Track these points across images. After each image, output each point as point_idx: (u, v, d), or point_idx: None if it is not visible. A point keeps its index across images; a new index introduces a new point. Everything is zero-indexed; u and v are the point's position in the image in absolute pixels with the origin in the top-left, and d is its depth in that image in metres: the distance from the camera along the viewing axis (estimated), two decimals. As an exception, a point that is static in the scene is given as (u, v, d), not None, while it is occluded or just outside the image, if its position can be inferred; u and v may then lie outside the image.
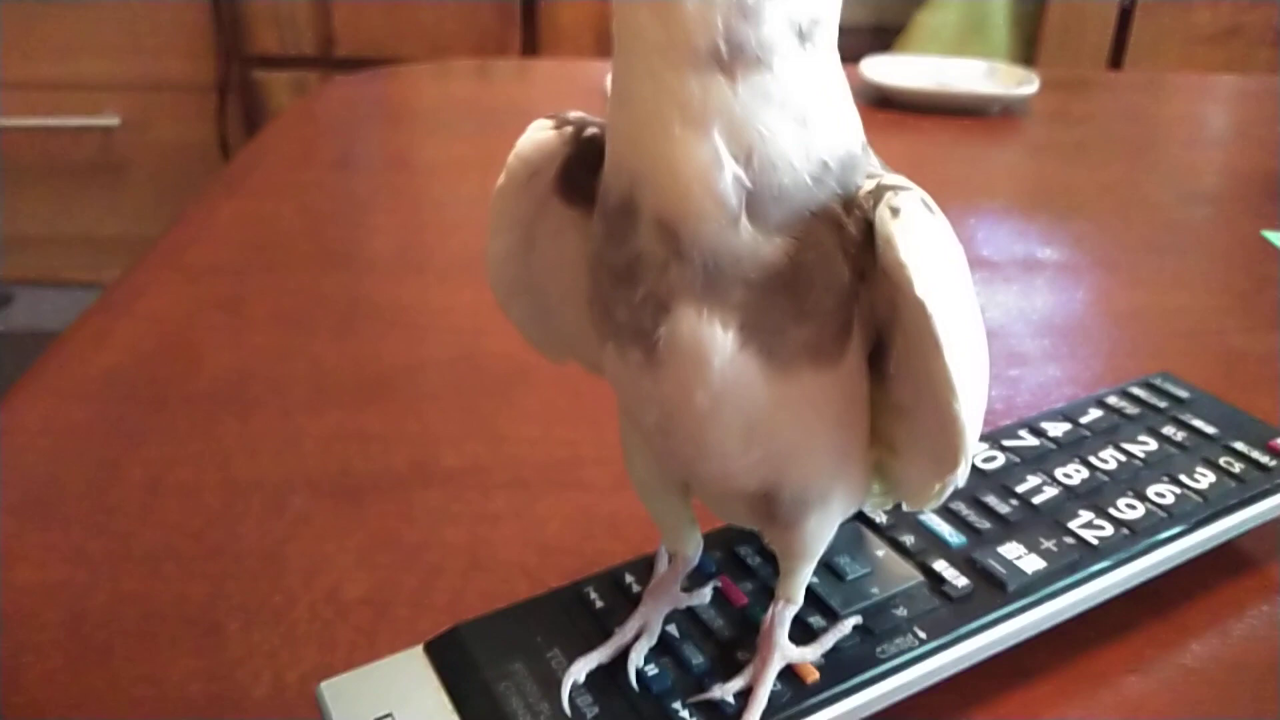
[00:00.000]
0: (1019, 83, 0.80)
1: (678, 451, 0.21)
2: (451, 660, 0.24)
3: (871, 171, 0.19)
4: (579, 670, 0.23)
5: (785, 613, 0.24)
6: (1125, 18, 1.44)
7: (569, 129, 0.21)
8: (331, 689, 0.23)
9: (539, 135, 0.22)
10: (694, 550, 0.25)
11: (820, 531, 0.23)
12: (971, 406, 0.19)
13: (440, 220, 0.56)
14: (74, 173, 1.49)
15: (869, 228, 0.19)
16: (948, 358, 0.18)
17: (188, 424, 0.37)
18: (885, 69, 0.82)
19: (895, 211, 0.18)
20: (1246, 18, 1.44)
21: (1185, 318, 0.48)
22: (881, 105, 0.79)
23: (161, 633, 0.28)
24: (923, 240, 0.18)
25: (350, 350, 0.42)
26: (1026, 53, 1.48)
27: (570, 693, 0.22)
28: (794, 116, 0.18)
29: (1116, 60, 1.46)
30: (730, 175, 0.18)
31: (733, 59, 0.17)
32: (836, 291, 0.19)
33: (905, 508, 0.25)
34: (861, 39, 1.58)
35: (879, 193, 0.19)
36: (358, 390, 0.39)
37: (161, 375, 0.40)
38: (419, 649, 0.24)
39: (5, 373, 1.31)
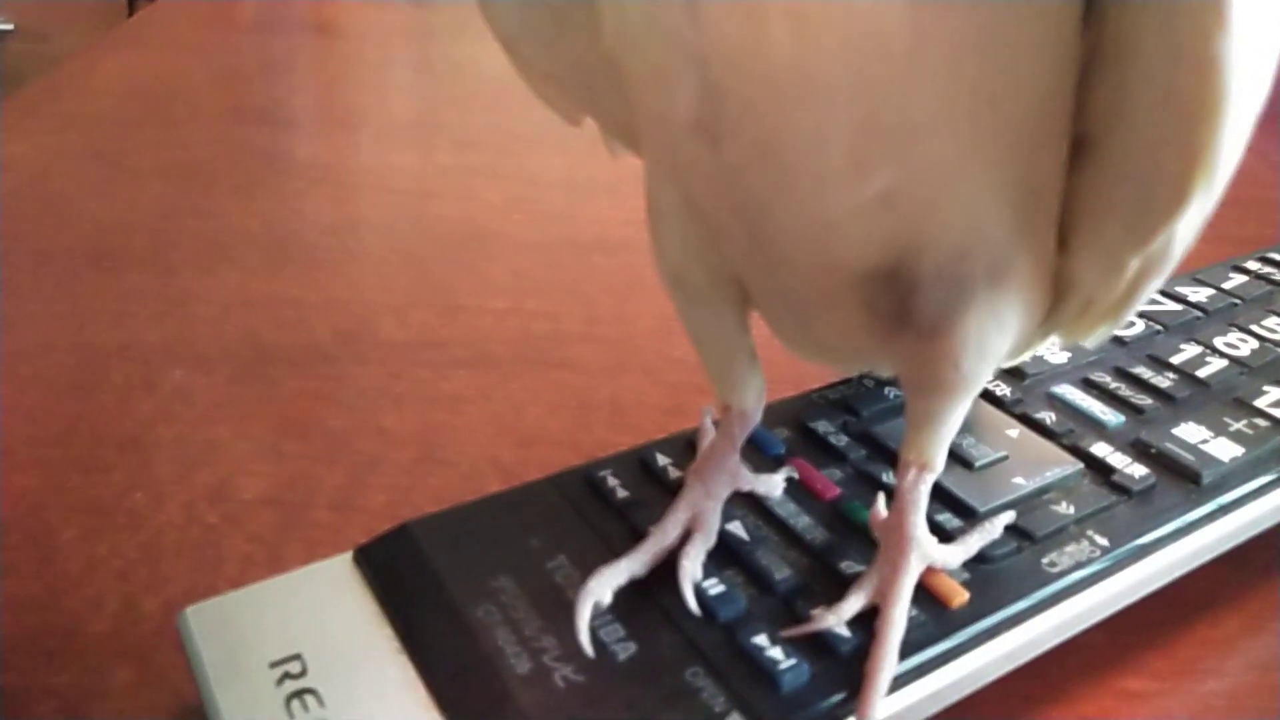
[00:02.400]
0: None
1: (741, 185, 0.13)
2: (396, 574, 0.15)
3: None
4: (601, 587, 0.14)
5: (922, 486, 0.15)
6: None
7: None
8: (200, 617, 0.14)
9: None
10: (756, 400, 0.17)
11: (987, 339, 0.14)
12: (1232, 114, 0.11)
13: (375, 84, 0.47)
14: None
15: None
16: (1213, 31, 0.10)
17: (38, 281, 0.28)
18: None
19: None
20: None
21: None
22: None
23: (-34, 542, 0.19)
24: None
25: (259, 209, 0.33)
26: None
27: (591, 621, 0.14)
28: None
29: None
30: None
31: None
32: None
33: (1059, 341, 0.17)
34: None
35: None
36: (268, 251, 0.30)
37: (11, 228, 0.30)
38: (345, 557, 0.16)
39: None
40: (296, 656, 0.14)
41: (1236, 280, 0.25)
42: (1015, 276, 0.13)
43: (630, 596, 0.15)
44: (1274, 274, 0.26)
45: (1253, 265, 0.26)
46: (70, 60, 0.45)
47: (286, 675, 0.13)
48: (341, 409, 0.23)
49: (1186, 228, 0.12)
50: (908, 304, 0.13)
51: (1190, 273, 0.26)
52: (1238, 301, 0.24)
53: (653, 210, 0.15)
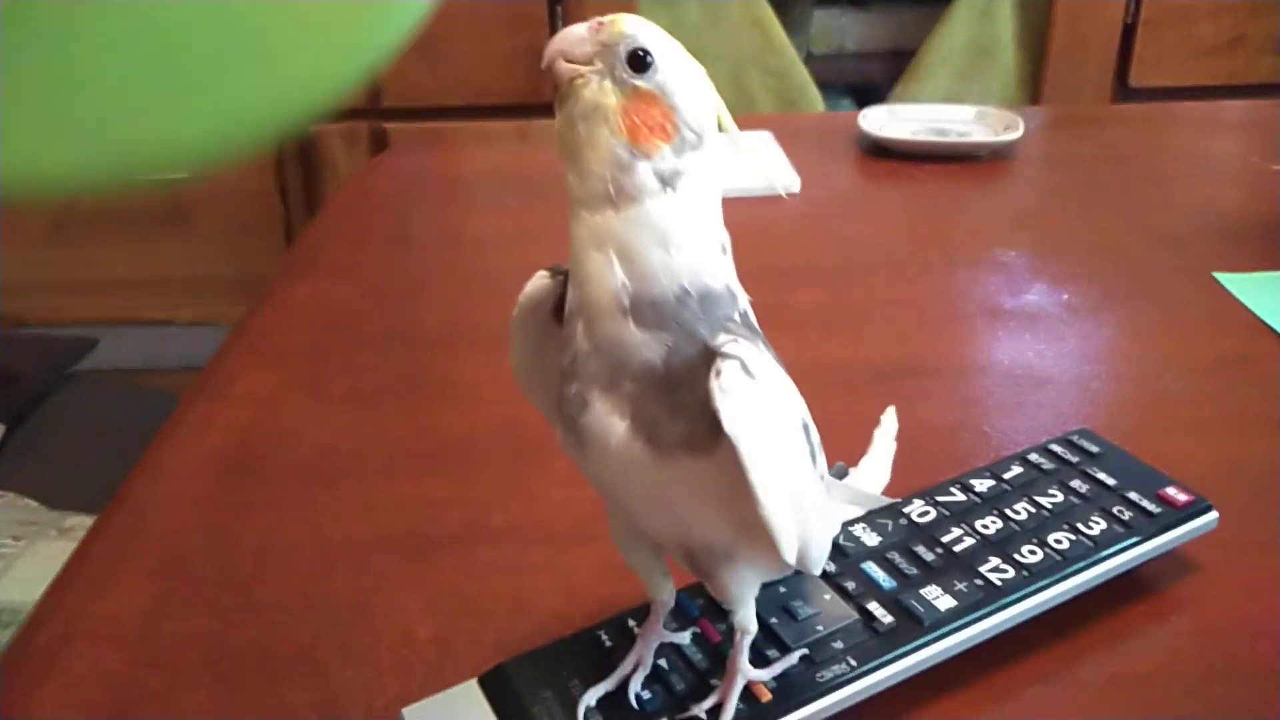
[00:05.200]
0: (1006, 127, 0.87)
1: (617, 510, 0.30)
2: (499, 690, 0.32)
3: (730, 324, 0.28)
4: (591, 696, 0.31)
5: (743, 641, 0.31)
6: (1128, 34, 1.50)
7: (560, 276, 0.30)
8: (412, 713, 0.31)
9: (538, 282, 0.31)
10: (668, 596, 0.33)
11: (736, 581, 0.30)
12: (782, 521, 0.27)
13: (485, 293, 0.64)
14: (147, 221, 1.60)
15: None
16: (755, 482, 0.27)
17: (284, 495, 0.45)
18: (880, 121, 0.90)
19: (719, 373, 0.26)
20: (1249, 28, 1.49)
21: (1132, 364, 0.55)
22: (879, 155, 0.87)
23: (279, 670, 0.36)
24: (735, 396, 0.26)
25: (413, 424, 0.50)
26: (1034, 71, 1.54)
27: (584, 714, 0.30)
28: (658, 241, 0.27)
29: (1123, 77, 1.51)
30: (619, 279, 0.27)
31: (618, 198, 0.27)
32: (701, 398, 0.27)
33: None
34: (879, 63, 1.65)
35: (715, 357, 0.27)
36: (421, 460, 0.48)
37: (259, 454, 0.48)
38: (474, 681, 0.32)
39: (102, 407, 1.42)
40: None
41: (1015, 471, 0.40)
42: (742, 556, 0.30)
43: (607, 700, 0.31)
44: (1044, 464, 0.41)
45: (1033, 456, 0.41)
46: (267, 294, 0.64)
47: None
48: (470, 578, 0.40)
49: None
50: (694, 562, 0.30)
51: (990, 464, 0.41)
52: (1007, 489, 0.39)
53: (606, 507, 0.32)
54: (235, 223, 1.59)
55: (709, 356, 0.27)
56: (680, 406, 0.27)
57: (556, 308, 0.30)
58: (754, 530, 0.28)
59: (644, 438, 0.27)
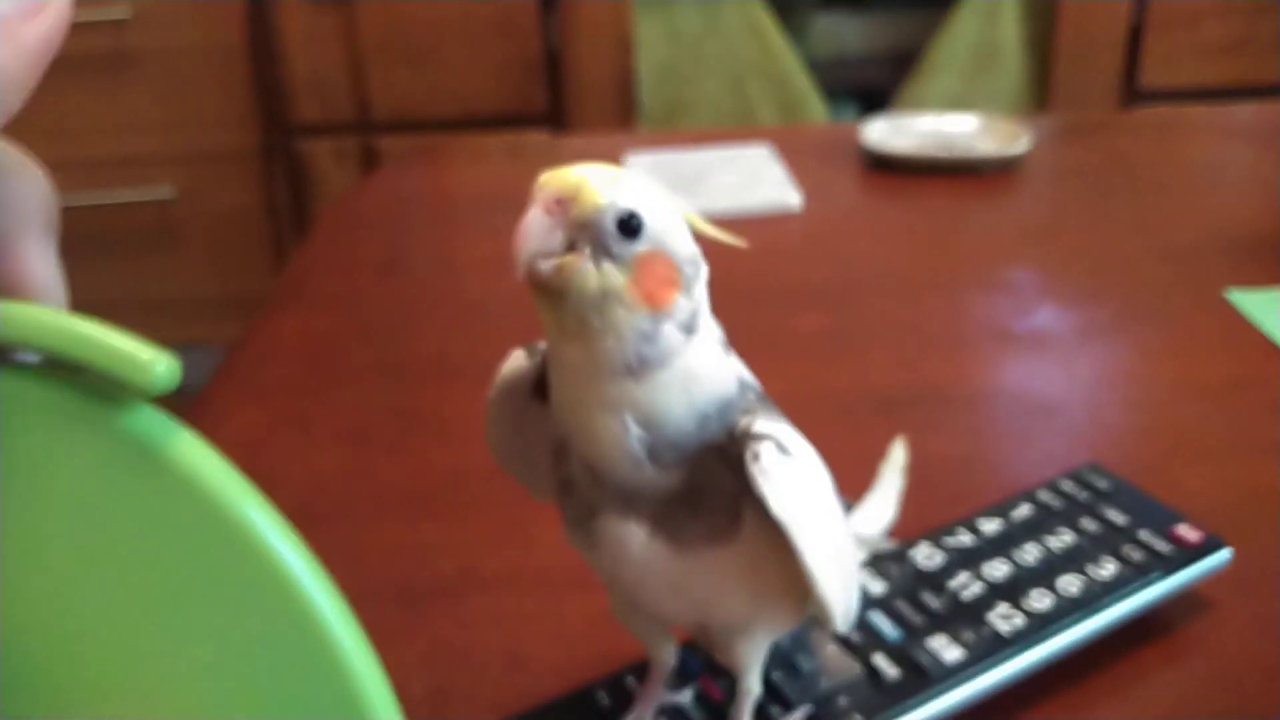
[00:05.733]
0: (1010, 139, 0.86)
1: (630, 599, 0.29)
2: (492, 755, 0.31)
3: (748, 408, 0.26)
4: (590, 759, 0.30)
5: (746, 702, 0.30)
6: (1136, 36, 1.48)
7: (537, 356, 0.29)
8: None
9: (516, 364, 0.29)
10: (670, 656, 0.32)
11: (750, 651, 0.29)
12: (834, 590, 0.26)
13: (477, 323, 0.63)
14: (135, 241, 1.59)
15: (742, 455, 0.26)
16: (808, 560, 0.26)
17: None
18: (883, 133, 0.88)
19: (756, 456, 0.25)
20: (1256, 28, 1.47)
21: (1143, 389, 0.54)
22: (881, 168, 0.86)
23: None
24: (777, 477, 0.25)
25: (403, 464, 0.49)
26: (1040, 74, 1.53)
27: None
28: (683, 391, 0.25)
29: (1130, 79, 1.50)
30: (635, 439, 0.25)
31: (641, 368, 0.25)
32: (724, 496, 0.26)
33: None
34: (882, 67, 1.64)
35: (744, 440, 0.26)
36: (411, 502, 0.46)
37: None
38: (467, 745, 0.31)
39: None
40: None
41: (1023, 510, 0.39)
42: (759, 629, 0.29)
43: (604, 765, 0.30)
44: (1052, 503, 0.40)
45: (1042, 496, 0.40)
46: (256, 326, 0.63)
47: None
48: (463, 630, 0.39)
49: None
50: (709, 638, 0.29)
51: (998, 504, 0.40)
52: (1015, 532, 0.38)
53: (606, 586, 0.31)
54: (224, 242, 1.58)
55: (733, 442, 0.26)
56: (702, 506, 0.26)
57: (534, 386, 0.29)
58: (774, 600, 0.28)
59: (665, 537, 0.26)
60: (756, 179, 0.82)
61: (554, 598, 0.40)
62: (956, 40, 1.53)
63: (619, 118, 1.48)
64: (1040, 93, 1.54)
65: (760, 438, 0.26)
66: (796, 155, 0.87)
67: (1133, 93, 1.51)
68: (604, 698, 0.32)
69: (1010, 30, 1.53)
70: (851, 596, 0.28)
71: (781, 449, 0.26)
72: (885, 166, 0.85)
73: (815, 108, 1.55)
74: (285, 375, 0.58)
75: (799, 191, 0.79)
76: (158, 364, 0.17)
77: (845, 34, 1.66)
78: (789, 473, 0.26)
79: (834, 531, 0.27)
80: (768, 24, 1.51)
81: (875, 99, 1.54)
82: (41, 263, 0.20)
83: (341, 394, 0.56)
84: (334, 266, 0.73)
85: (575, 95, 1.48)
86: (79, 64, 1.44)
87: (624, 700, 0.32)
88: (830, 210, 0.79)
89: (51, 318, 0.18)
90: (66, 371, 0.18)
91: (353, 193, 0.92)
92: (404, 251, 0.76)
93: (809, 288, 0.66)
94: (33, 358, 0.19)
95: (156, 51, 1.51)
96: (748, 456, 0.25)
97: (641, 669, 0.33)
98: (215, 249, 1.60)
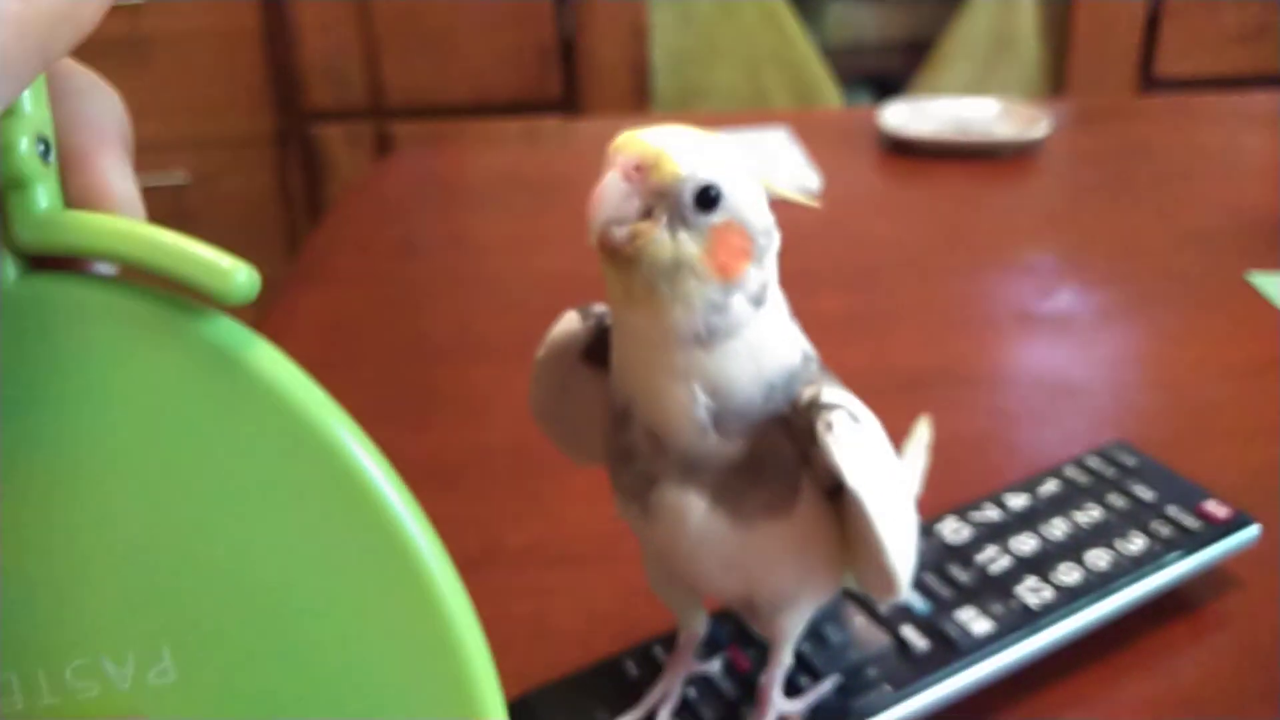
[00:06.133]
0: (1030, 123, 0.85)
1: (676, 572, 0.28)
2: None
3: (810, 379, 0.26)
4: (618, 729, 0.30)
5: (776, 673, 0.30)
6: (1153, 24, 1.47)
7: (591, 320, 0.29)
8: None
9: (567, 325, 0.29)
10: (700, 626, 0.32)
11: (793, 623, 0.29)
12: (901, 558, 0.26)
13: (494, 301, 0.63)
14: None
15: (811, 425, 0.26)
16: (879, 529, 0.26)
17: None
18: (902, 116, 0.88)
19: (829, 426, 0.25)
20: (1274, 16, 1.46)
21: (1165, 369, 0.53)
22: (900, 151, 0.85)
23: None
24: (851, 446, 0.25)
25: (425, 441, 0.49)
26: (1056, 62, 1.52)
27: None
28: (751, 360, 0.25)
29: (1147, 67, 1.49)
30: (703, 408, 0.25)
31: (710, 338, 0.24)
32: (784, 467, 0.26)
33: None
34: (897, 55, 1.63)
35: (814, 410, 0.25)
36: (434, 478, 0.46)
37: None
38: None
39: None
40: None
41: (1050, 486, 0.39)
42: (804, 600, 0.29)
43: (633, 732, 0.30)
44: (1079, 479, 0.39)
45: (1069, 472, 0.40)
46: (274, 306, 0.63)
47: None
48: (486, 603, 0.39)
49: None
50: (754, 611, 0.29)
51: (1025, 480, 0.40)
52: (1042, 507, 0.38)
53: (643, 554, 0.31)
54: (237, 228, 1.59)
55: (796, 413, 0.26)
56: (763, 477, 0.26)
57: (586, 348, 0.29)
58: (821, 573, 0.28)
59: (724, 509, 0.26)
60: (774, 162, 0.81)
61: (578, 570, 0.40)
62: (972, 28, 1.53)
63: (633, 104, 1.48)
64: (1056, 81, 1.53)
65: (832, 407, 0.25)
66: (814, 139, 0.87)
67: (1149, 81, 1.50)
68: (632, 668, 0.32)
69: (1026, 18, 1.52)
70: (912, 565, 0.28)
71: (853, 418, 0.26)
72: (904, 150, 0.85)
73: (830, 95, 1.54)
74: (304, 354, 0.57)
75: (818, 174, 0.79)
76: (238, 272, 0.17)
77: (861, 21, 1.66)
78: (862, 441, 0.26)
79: (902, 500, 0.27)
80: (783, 10, 1.51)
81: (890, 86, 1.53)
82: (119, 176, 0.20)
83: (361, 372, 0.56)
84: (352, 247, 0.73)
85: (590, 81, 1.48)
86: (93, 49, 1.44)
87: (652, 670, 0.32)
88: (850, 193, 0.79)
89: (133, 228, 0.18)
90: (145, 282, 0.18)
91: (369, 176, 0.92)
92: (421, 233, 0.76)
93: (831, 269, 0.66)
94: (110, 269, 0.19)
95: (171, 37, 1.51)
96: (820, 426, 0.25)
97: (668, 640, 0.33)
98: (229, 234, 1.60)
